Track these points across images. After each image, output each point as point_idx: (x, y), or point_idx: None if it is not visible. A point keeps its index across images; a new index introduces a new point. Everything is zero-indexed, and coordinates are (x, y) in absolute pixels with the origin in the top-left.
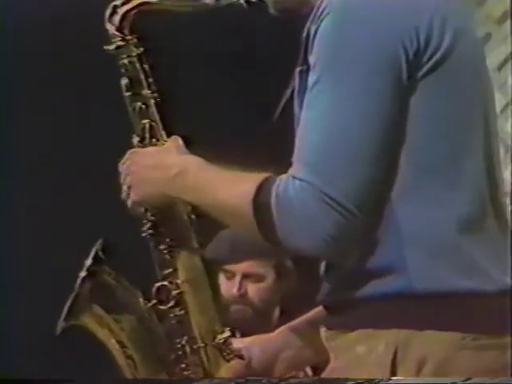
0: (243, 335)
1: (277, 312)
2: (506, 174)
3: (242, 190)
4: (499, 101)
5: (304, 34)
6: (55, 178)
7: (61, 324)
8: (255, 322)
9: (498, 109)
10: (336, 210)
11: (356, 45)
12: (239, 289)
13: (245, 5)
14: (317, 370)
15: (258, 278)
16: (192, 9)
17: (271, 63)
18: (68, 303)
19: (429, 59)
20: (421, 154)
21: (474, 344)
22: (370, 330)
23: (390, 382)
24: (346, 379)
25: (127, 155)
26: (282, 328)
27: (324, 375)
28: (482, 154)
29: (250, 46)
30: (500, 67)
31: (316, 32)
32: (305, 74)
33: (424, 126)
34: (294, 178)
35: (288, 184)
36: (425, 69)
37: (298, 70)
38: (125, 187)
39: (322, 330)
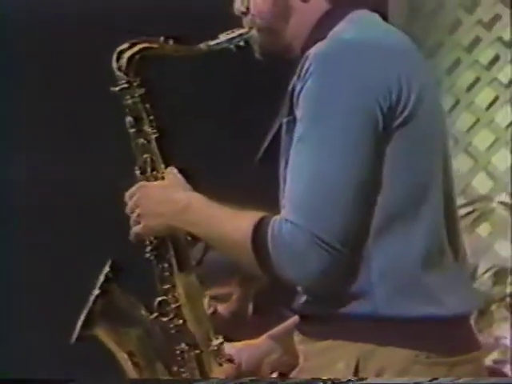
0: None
1: (250, 310)
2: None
3: (242, 228)
4: (469, 120)
5: (290, 88)
6: (68, 203)
7: (76, 334)
8: (231, 327)
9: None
10: (324, 248)
11: (336, 104)
12: (209, 308)
13: (234, 49)
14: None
15: (224, 298)
16: (188, 53)
17: (256, 104)
18: (83, 316)
19: (401, 113)
20: (391, 199)
21: (426, 361)
22: (338, 341)
23: (363, 382)
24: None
25: (136, 188)
26: (265, 336)
27: (293, 374)
28: (442, 197)
29: (240, 85)
30: (469, 88)
31: (302, 89)
32: (292, 124)
33: (394, 173)
34: (286, 220)
35: (281, 226)
36: (398, 121)
37: (285, 120)
38: (133, 216)
39: (295, 334)
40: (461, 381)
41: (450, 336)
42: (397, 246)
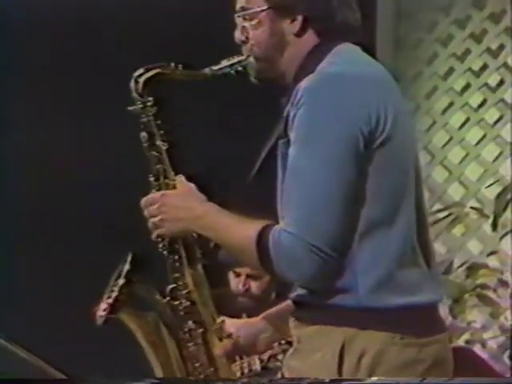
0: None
1: (273, 296)
2: None
3: (248, 235)
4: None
5: (285, 114)
6: (95, 205)
7: (103, 318)
8: (256, 308)
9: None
10: (317, 254)
11: (325, 130)
12: (244, 285)
13: (234, 74)
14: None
15: (258, 277)
16: (195, 77)
17: (251, 119)
18: (110, 301)
19: (379, 135)
20: (372, 210)
21: (400, 342)
22: (327, 326)
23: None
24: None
25: (159, 197)
26: (261, 316)
27: (287, 357)
28: (414, 205)
29: (238, 104)
30: (444, 111)
31: (295, 116)
32: (286, 144)
33: (374, 187)
34: (285, 230)
35: (281, 235)
36: (377, 142)
37: (281, 141)
38: (154, 220)
39: (291, 320)
40: (456, 381)
41: (419, 321)
42: (377, 249)
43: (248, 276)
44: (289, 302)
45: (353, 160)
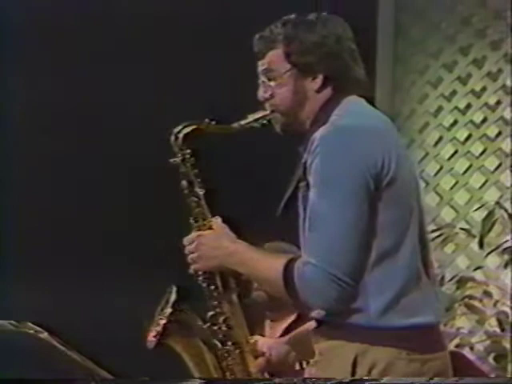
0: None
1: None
2: None
3: (275, 268)
4: (435, 167)
5: (303, 161)
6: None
7: (151, 343)
8: (273, 305)
9: None
10: (336, 282)
11: (339, 175)
12: None
13: (259, 126)
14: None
15: (282, 296)
16: (226, 131)
17: (274, 165)
18: (159, 328)
19: (385, 177)
20: (382, 242)
21: (406, 357)
22: (342, 341)
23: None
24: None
25: (195, 236)
26: (289, 336)
27: (309, 366)
28: (417, 234)
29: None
30: (435, 144)
31: (312, 162)
32: (305, 187)
33: (383, 221)
34: (308, 263)
35: (304, 267)
36: (384, 183)
37: (301, 184)
38: (192, 257)
39: (313, 336)
40: (461, 381)
41: (423, 339)
42: (385, 275)
43: None
44: (312, 322)
45: (364, 200)
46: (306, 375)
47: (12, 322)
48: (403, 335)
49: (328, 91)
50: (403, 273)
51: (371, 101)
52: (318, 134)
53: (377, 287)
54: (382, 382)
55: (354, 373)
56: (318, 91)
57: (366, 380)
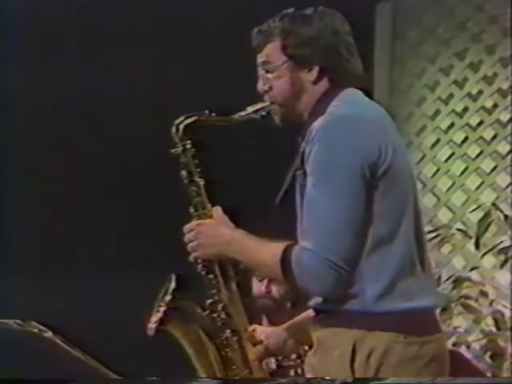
0: (267, 317)
1: (289, 304)
2: None
3: (272, 254)
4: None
5: (301, 150)
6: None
7: (152, 330)
8: (274, 310)
9: None
10: (333, 268)
11: (336, 163)
12: (266, 287)
13: (259, 118)
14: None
15: (279, 282)
16: (227, 122)
17: (274, 156)
18: (159, 314)
19: (381, 165)
20: (378, 229)
21: (403, 340)
22: (340, 328)
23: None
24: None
25: (195, 225)
26: (287, 324)
27: (308, 355)
28: (412, 224)
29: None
30: (432, 147)
31: (310, 151)
32: (303, 176)
33: (379, 209)
34: (305, 248)
35: (302, 253)
36: (380, 171)
37: (298, 173)
38: (192, 245)
39: (311, 325)
40: (460, 381)
41: (419, 323)
42: (381, 262)
43: (270, 280)
44: (309, 311)
45: (361, 187)
46: (305, 364)
47: (17, 320)
48: (399, 319)
49: (325, 83)
50: (398, 259)
51: (369, 93)
52: (315, 124)
53: (373, 273)
54: (387, 381)
55: (352, 359)
56: (315, 83)
57: (370, 379)
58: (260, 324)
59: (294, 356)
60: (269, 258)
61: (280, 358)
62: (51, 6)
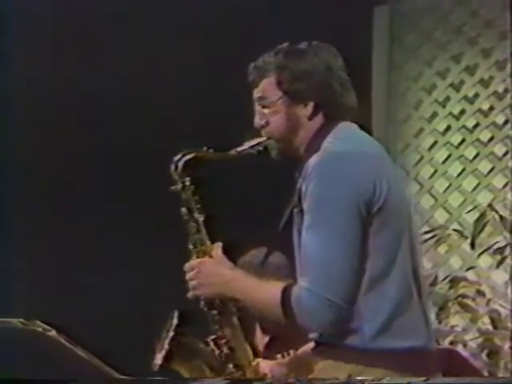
0: (260, 325)
1: None
2: None
3: (272, 294)
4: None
5: (298, 187)
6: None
7: (157, 365)
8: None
9: None
10: (332, 306)
11: (332, 200)
12: None
13: (256, 153)
14: None
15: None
16: (224, 157)
17: (272, 190)
18: (163, 353)
19: (377, 202)
20: (373, 266)
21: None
22: (338, 362)
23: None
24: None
25: (196, 264)
26: (289, 358)
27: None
28: (409, 260)
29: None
30: (416, 164)
31: (306, 189)
32: (300, 213)
33: (375, 245)
34: (304, 288)
35: (301, 293)
36: (375, 208)
37: (295, 210)
38: (192, 283)
39: (312, 356)
40: (456, 380)
41: (416, 361)
42: (378, 298)
43: None
44: (310, 343)
45: (356, 225)
46: None
47: (21, 319)
48: (397, 357)
49: (320, 118)
50: (396, 294)
51: (366, 127)
52: (311, 161)
53: (370, 310)
54: (383, 382)
55: None
56: (310, 118)
57: (366, 380)
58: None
59: None
60: (268, 297)
61: None
62: (51, 6)
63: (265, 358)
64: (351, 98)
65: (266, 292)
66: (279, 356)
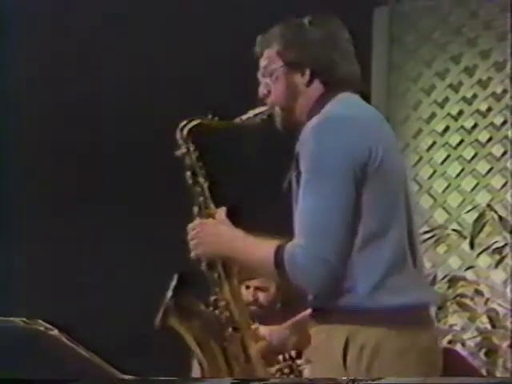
0: (260, 323)
1: (278, 306)
2: None
3: (266, 252)
4: (429, 171)
5: (296, 151)
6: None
7: (157, 324)
8: (263, 316)
9: None
10: (325, 265)
11: (327, 162)
12: (253, 295)
13: (259, 121)
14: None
15: (265, 289)
16: (229, 125)
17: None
18: (161, 311)
19: (372, 165)
20: (368, 225)
21: (395, 334)
22: (334, 324)
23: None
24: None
25: (197, 224)
26: (288, 323)
27: (305, 352)
28: (405, 222)
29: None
30: (428, 149)
31: (304, 150)
32: (298, 176)
33: (369, 207)
34: (297, 245)
35: (295, 250)
36: (370, 171)
37: (294, 174)
38: (192, 243)
39: (309, 321)
40: (454, 379)
41: (412, 318)
42: (372, 257)
43: (256, 288)
44: (309, 310)
45: (351, 186)
46: (303, 361)
47: (23, 319)
48: (392, 314)
49: (318, 86)
50: (390, 255)
51: (366, 97)
52: (309, 124)
53: (364, 269)
54: (382, 381)
55: (345, 354)
56: (308, 85)
57: (365, 380)
58: None
59: (287, 370)
60: (263, 255)
61: (274, 371)
62: (51, 6)
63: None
64: (353, 69)
65: (261, 249)
66: (277, 366)
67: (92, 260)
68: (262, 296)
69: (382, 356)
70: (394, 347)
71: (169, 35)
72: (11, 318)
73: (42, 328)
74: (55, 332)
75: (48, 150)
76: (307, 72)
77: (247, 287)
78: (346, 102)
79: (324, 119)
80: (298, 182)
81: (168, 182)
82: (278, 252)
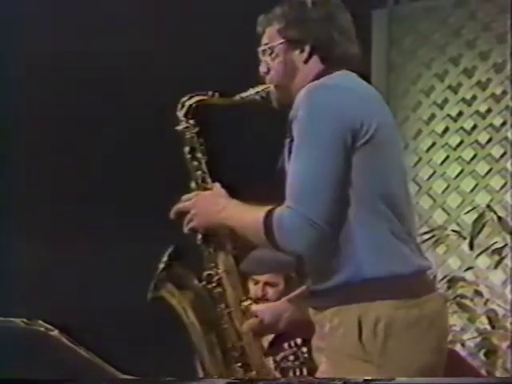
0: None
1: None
2: None
3: (257, 217)
4: (429, 172)
5: (290, 119)
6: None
7: (149, 295)
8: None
9: None
10: (313, 227)
11: (319, 127)
12: (262, 291)
13: (259, 99)
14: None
15: (274, 285)
16: (229, 102)
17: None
18: (153, 282)
19: (363, 136)
20: (362, 194)
21: (405, 305)
22: (340, 307)
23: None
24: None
25: (193, 195)
26: (281, 300)
27: (313, 340)
28: (402, 191)
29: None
30: (428, 150)
31: (296, 117)
32: (291, 142)
33: (362, 175)
34: (287, 207)
35: (283, 212)
36: (361, 141)
37: (287, 140)
38: (189, 215)
39: (310, 310)
40: (454, 379)
41: (415, 284)
42: (372, 226)
43: (265, 283)
44: (303, 287)
45: (341, 152)
46: (313, 351)
47: (23, 319)
48: (396, 284)
49: (317, 64)
50: (387, 223)
51: (366, 77)
52: (303, 90)
53: (363, 236)
54: (394, 382)
55: (360, 333)
56: (306, 62)
57: (373, 380)
58: None
59: (292, 357)
60: (254, 219)
61: (279, 359)
62: (51, 7)
63: (270, 355)
64: (352, 47)
65: (252, 214)
66: (282, 354)
67: (92, 260)
68: (270, 291)
69: (395, 329)
70: (406, 318)
71: (169, 11)
72: (11, 319)
73: (42, 328)
74: (55, 332)
75: (48, 150)
76: (306, 48)
77: (256, 282)
78: (343, 76)
79: (318, 86)
80: (290, 149)
81: (166, 156)
82: (268, 215)
